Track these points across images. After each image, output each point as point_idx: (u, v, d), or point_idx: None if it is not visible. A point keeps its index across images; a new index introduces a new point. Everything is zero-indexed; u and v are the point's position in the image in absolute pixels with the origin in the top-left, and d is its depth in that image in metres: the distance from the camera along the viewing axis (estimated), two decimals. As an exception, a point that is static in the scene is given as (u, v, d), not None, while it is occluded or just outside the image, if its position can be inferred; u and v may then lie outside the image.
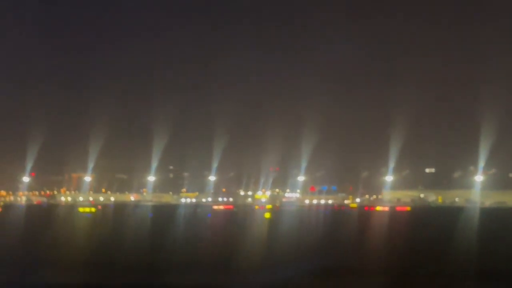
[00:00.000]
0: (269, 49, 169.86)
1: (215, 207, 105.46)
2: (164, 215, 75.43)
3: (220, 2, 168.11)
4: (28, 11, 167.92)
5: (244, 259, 28.33)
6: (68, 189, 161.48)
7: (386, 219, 69.92)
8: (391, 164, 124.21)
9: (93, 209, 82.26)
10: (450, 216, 65.92)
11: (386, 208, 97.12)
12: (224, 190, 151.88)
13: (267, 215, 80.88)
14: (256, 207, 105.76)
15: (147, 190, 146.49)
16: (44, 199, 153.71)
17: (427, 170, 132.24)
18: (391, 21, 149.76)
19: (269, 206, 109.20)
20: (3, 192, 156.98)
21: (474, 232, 45.37)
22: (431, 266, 26.56)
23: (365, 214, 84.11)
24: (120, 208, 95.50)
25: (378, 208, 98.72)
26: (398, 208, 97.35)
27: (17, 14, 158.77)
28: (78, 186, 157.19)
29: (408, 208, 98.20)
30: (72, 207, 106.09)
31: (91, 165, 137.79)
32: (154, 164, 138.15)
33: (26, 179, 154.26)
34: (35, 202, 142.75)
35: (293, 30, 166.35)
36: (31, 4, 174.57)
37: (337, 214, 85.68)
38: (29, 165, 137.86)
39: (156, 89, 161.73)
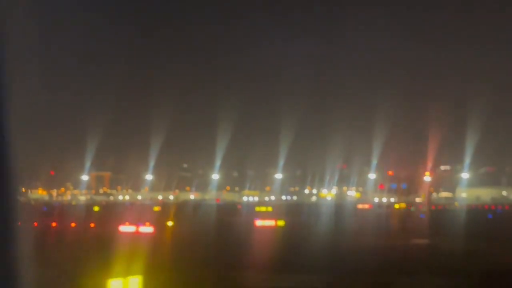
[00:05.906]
0: (334, 45, 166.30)
1: (360, 206, 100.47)
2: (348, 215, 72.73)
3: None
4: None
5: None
6: (125, 187, 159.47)
7: None
8: (468, 160, 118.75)
9: (269, 208, 79.13)
10: None
11: None
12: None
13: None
14: (397, 206, 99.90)
15: (210, 189, 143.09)
16: (105, 197, 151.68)
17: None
18: (466, 21, 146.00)
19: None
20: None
21: None
22: None
23: None
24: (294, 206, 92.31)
25: None
26: None
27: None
28: (137, 184, 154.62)
29: None
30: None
31: (152, 163, 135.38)
32: (218, 162, 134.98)
33: (85, 177, 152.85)
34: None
35: (357, 24, 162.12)
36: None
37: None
38: (86, 163, 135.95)
39: (219, 87, 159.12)
